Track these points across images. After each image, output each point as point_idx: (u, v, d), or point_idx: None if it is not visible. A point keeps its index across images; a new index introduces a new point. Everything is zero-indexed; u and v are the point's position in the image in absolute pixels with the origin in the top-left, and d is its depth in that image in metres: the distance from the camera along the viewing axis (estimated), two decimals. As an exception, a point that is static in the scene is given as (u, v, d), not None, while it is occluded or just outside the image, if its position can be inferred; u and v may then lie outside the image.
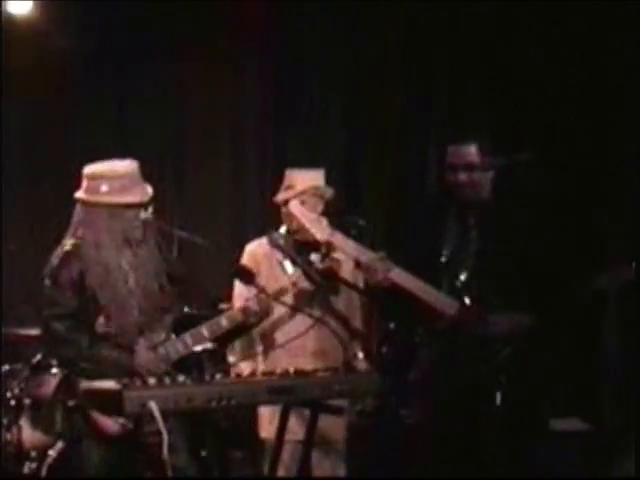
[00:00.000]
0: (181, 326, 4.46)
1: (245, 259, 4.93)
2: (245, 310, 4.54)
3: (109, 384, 3.47)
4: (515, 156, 4.53)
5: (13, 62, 6.70)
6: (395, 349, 5.32)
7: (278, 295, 4.54)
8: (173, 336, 4.42)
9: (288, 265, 4.72)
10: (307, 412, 4.09)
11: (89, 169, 4.34)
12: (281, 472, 4.42)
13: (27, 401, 5.26)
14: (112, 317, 4.31)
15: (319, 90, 7.34)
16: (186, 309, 4.81)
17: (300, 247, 4.73)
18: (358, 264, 4.30)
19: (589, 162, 6.23)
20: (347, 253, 4.35)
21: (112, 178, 4.29)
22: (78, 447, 4.35)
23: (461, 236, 4.39)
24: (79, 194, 4.36)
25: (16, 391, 5.30)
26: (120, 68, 7.38)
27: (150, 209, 4.37)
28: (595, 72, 6.25)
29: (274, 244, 4.41)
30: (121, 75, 7.42)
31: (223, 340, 4.61)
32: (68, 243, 4.34)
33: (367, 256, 4.23)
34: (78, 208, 4.38)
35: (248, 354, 4.86)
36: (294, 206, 4.44)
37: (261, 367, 4.78)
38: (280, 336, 4.76)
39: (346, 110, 7.26)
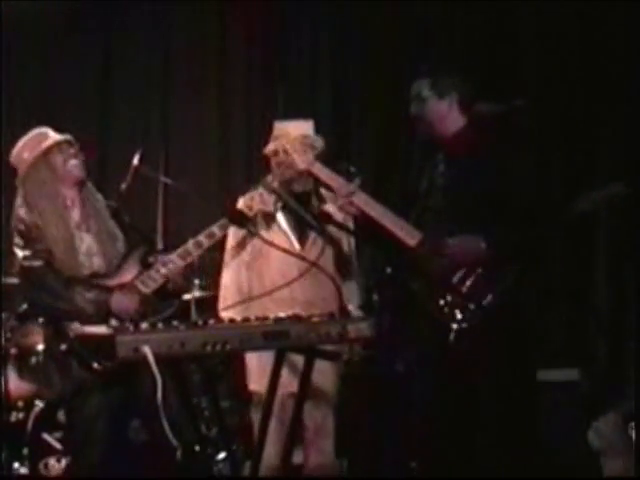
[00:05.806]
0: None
1: None
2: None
3: (101, 329, 3.41)
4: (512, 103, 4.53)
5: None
6: (389, 295, 5.26)
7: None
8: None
9: (280, 217, 4.69)
10: (298, 364, 4.05)
11: (11, 155, 4.58)
12: (273, 424, 4.38)
13: (13, 351, 5.20)
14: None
15: (307, 40, 7.26)
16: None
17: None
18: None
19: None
20: (324, 182, 4.40)
21: (28, 143, 4.54)
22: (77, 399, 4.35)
23: (431, 170, 4.44)
24: (18, 180, 4.52)
25: (2, 341, 5.25)
26: (106, 19, 7.31)
27: (75, 149, 4.50)
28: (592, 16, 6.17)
29: (269, 188, 4.35)
30: (106, 27, 7.34)
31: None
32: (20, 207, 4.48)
33: (339, 182, 4.30)
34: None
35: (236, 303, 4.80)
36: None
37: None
38: (269, 285, 4.67)
39: (335, 59, 7.16)
